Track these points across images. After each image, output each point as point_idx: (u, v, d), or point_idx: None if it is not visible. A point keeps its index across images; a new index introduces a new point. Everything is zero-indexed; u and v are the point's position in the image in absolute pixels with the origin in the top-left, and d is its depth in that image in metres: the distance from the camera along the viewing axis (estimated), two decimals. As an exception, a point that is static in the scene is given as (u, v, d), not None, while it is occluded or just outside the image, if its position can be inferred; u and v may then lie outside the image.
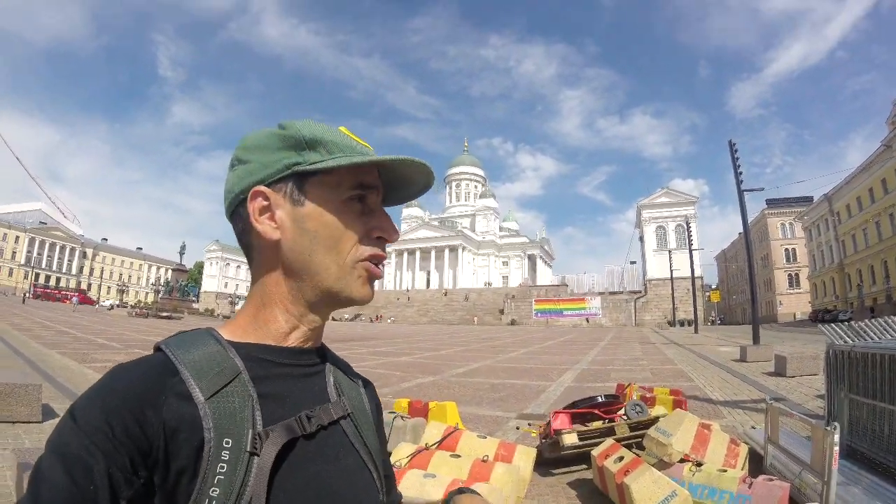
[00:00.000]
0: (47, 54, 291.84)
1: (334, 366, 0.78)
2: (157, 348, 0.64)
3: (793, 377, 10.92)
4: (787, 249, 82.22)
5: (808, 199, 73.93)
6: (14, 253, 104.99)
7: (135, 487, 0.54)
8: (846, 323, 4.71)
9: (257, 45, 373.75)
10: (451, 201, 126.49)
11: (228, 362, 0.63)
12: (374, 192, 0.71)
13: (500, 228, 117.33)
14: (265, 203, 0.67)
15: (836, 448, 3.13)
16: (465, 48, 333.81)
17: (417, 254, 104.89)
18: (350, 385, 0.79)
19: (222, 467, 0.56)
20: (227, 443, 0.57)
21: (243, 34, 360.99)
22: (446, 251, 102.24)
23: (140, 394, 0.57)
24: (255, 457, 0.58)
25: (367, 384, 0.86)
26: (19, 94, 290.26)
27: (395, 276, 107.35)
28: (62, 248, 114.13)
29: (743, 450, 4.37)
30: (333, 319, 72.92)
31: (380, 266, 0.72)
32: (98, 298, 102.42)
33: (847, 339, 4.48)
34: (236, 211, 0.70)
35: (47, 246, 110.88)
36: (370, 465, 0.73)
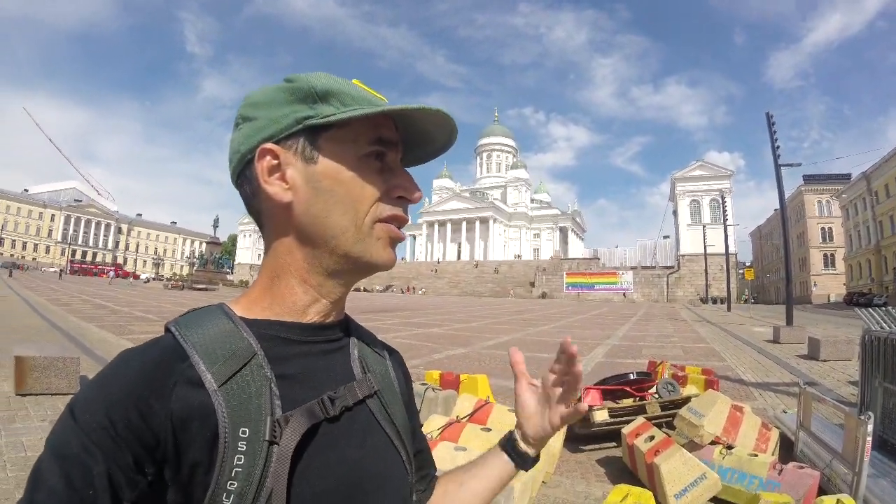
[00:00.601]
0: (77, 37, 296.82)
1: (358, 339, 0.73)
2: (167, 329, 0.59)
3: (825, 361, 10.74)
4: (823, 228, 79.91)
5: (847, 177, 71.62)
6: (50, 231, 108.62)
7: (140, 487, 0.51)
8: (882, 308, 4.62)
9: (285, 16, 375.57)
10: (481, 172, 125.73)
11: (242, 343, 0.58)
12: (394, 148, 0.65)
13: (532, 200, 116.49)
14: (274, 162, 0.61)
15: (870, 438, 3.12)
16: (493, 16, 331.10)
17: (448, 225, 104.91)
18: (376, 359, 0.74)
19: (240, 459, 0.52)
20: (244, 432, 0.53)
21: (270, 7, 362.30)
22: (477, 223, 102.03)
23: (145, 383, 0.53)
24: (275, 445, 0.54)
25: (393, 353, 0.81)
26: (51, 78, 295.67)
27: (427, 248, 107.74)
28: (97, 224, 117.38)
29: (774, 434, 4.37)
30: (364, 290, 73.61)
31: (402, 229, 0.66)
32: (134, 272, 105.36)
33: (885, 325, 4.40)
34: (243, 173, 0.64)
35: (83, 223, 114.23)
36: (398, 444, 0.69)
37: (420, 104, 0.59)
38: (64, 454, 0.50)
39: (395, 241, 0.65)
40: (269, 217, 0.64)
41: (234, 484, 0.52)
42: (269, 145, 0.61)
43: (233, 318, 0.60)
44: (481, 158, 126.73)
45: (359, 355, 0.70)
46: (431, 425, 4.05)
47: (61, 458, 0.50)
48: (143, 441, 0.51)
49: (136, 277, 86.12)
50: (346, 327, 0.71)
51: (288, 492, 0.54)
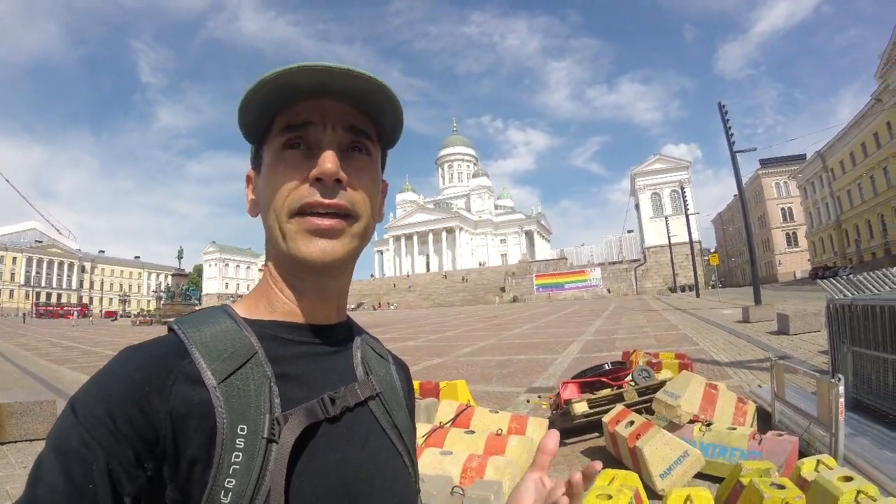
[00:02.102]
0: (27, 72, 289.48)
1: (362, 342, 0.73)
2: (170, 329, 0.60)
3: (796, 335, 10.99)
4: (783, 209, 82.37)
5: (802, 157, 73.87)
6: (13, 274, 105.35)
7: (139, 482, 0.51)
8: (845, 277, 4.75)
9: (237, 41, 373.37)
10: (444, 183, 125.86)
11: (243, 341, 0.59)
12: (317, 128, 0.61)
13: (496, 206, 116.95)
14: (252, 185, 0.69)
15: (842, 399, 3.19)
16: (447, 26, 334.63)
17: (415, 238, 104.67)
18: (379, 362, 0.74)
19: (237, 456, 0.52)
20: (243, 430, 0.53)
21: (222, 32, 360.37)
22: (443, 233, 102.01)
23: (145, 379, 0.53)
24: (274, 443, 0.54)
25: (399, 363, 0.81)
26: (3, 116, 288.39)
27: (395, 262, 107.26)
28: (60, 264, 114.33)
29: (751, 408, 4.44)
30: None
31: (324, 215, 0.61)
32: (101, 310, 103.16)
33: (846, 292, 4.52)
34: None
35: (45, 264, 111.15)
36: (400, 448, 0.68)
37: (299, 63, 0.56)
38: (64, 449, 0.50)
39: (313, 231, 0.60)
40: None
41: (232, 481, 0.51)
42: (250, 171, 0.70)
43: (235, 318, 0.62)
44: (443, 169, 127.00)
45: (362, 358, 0.70)
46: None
47: (62, 453, 0.49)
48: (143, 437, 0.51)
49: (84, 315, 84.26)
50: (350, 330, 0.72)
51: (287, 491, 0.53)
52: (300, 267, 0.62)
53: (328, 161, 0.59)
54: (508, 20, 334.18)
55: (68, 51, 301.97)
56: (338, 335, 0.69)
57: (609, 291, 68.80)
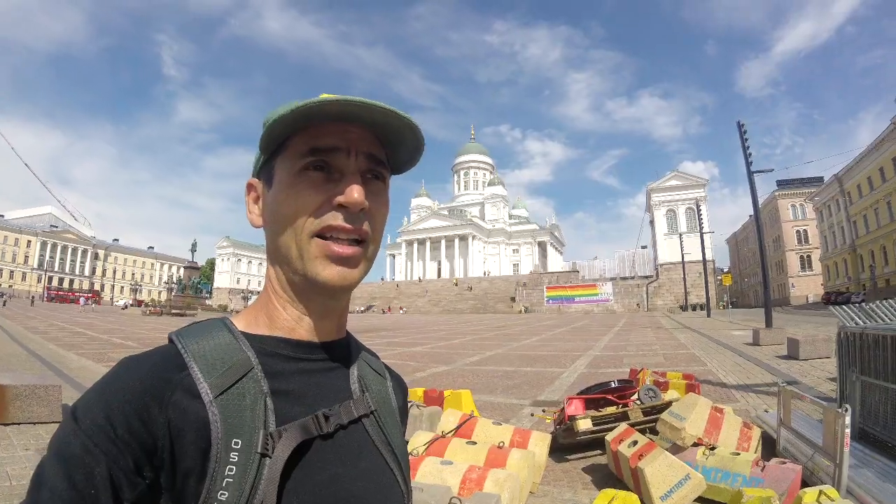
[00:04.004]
0: (50, 59, 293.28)
1: (359, 359, 0.74)
2: (170, 340, 0.61)
3: (806, 360, 10.88)
4: (798, 231, 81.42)
5: (819, 180, 73.11)
6: (26, 257, 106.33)
7: (139, 489, 0.53)
8: (857, 305, 4.71)
9: (260, 39, 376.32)
10: (459, 190, 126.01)
11: (241, 356, 0.60)
12: (341, 154, 0.63)
13: (510, 216, 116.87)
14: (256, 194, 0.69)
15: (848, 430, 3.16)
16: (468, 34, 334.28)
17: (428, 244, 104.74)
18: (376, 379, 0.75)
19: (231, 469, 0.53)
20: (237, 444, 0.54)
21: (245, 29, 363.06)
22: (456, 240, 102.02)
23: (145, 390, 0.55)
24: (267, 458, 0.55)
25: (396, 378, 0.82)
26: (25, 101, 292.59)
27: (406, 267, 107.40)
28: (74, 250, 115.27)
29: (756, 433, 4.40)
30: (344, 311, 73.35)
31: (344, 242, 0.63)
32: (112, 298, 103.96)
33: (858, 320, 4.49)
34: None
35: (59, 249, 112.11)
36: (393, 466, 0.68)
37: (336, 97, 0.58)
38: (66, 455, 0.51)
39: (334, 258, 0.62)
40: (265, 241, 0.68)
41: (225, 494, 0.52)
42: (252, 180, 0.70)
43: (234, 332, 0.62)
44: (458, 176, 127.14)
45: (358, 375, 0.71)
46: (417, 441, 4.03)
47: (63, 460, 0.51)
48: (143, 445, 0.53)
49: (93, 301, 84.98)
50: (348, 347, 0.73)
51: None
52: (314, 288, 0.64)
53: (356, 191, 0.61)
54: (530, 30, 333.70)
55: (91, 40, 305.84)
56: (336, 352, 0.69)
57: (620, 307, 68.41)
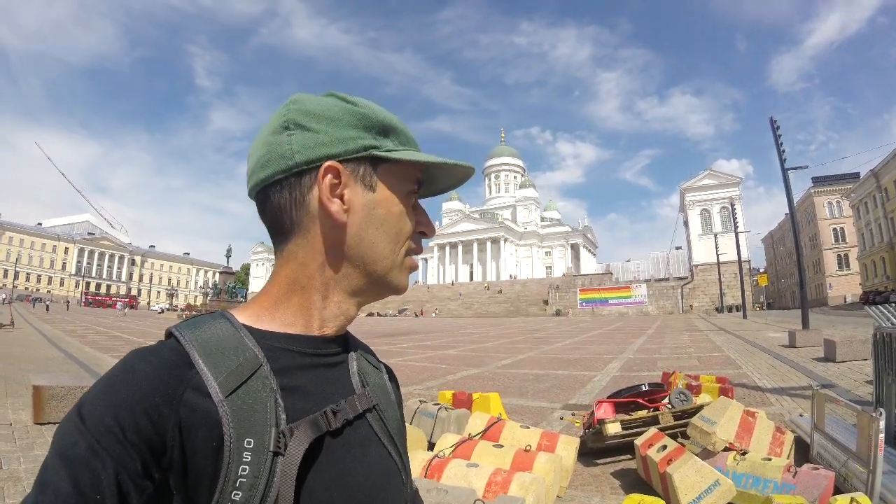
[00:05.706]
0: (85, 71, 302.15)
1: (357, 353, 0.74)
2: (169, 334, 0.59)
3: (842, 362, 10.60)
4: (835, 229, 79.26)
5: (855, 176, 70.93)
6: (64, 263, 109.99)
7: (147, 493, 0.51)
8: (895, 304, 4.59)
9: (290, 47, 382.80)
10: (490, 193, 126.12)
11: (248, 353, 0.58)
12: (419, 188, 0.72)
13: (542, 218, 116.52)
14: (335, 181, 0.63)
15: (882, 435, 3.09)
16: (497, 36, 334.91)
17: (460, 247, 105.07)
18: (374, 373, 0.76)
19: (244, 469, 0.52)
20: (249, 443, 0.53)
21: (275, 38, 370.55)
22: (488, 243, 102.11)
23: (154, 389, 0.53)
24: (280, 456, 0.54)
25: (391, 373, 0.82)
26: (62, 112, 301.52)
27: (439, 270, 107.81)
28: (111, 256, 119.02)
29: (788, 438, 4.31)
30: (378, 315, 73.74)
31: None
32: (148, 303, 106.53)
33: (895, 321, 4.37)
34: (287, 180, 0.64)
35: (96, 255, 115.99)
36: (395, 457, 0.70)
37: (461, 162, 0.68)
38: (72, 456, 0.49)
39: (413, 271, 0.73)
40: (309, 231, 0.64)
41: (238, 494, 0.52)
42: (334, 163, 0.63)
43: (238, 328, 0.61)
44: (489, 179, 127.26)
45: (358, 369, 0.71)
46: (444, 443, 4.06)
47: (69, 461, 0.49)
48: (151, 446, 0.51)
49: (131, 306, 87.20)
50: (346, 342, 0.73)
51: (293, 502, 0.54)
52: (383, 290, 0.71)
53: (433, 226, 0.75)
54: (558, 30, 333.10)
55: (125, 51, 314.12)
56: (336, 347, 0.69)
57: (654, 309, 67.48)
